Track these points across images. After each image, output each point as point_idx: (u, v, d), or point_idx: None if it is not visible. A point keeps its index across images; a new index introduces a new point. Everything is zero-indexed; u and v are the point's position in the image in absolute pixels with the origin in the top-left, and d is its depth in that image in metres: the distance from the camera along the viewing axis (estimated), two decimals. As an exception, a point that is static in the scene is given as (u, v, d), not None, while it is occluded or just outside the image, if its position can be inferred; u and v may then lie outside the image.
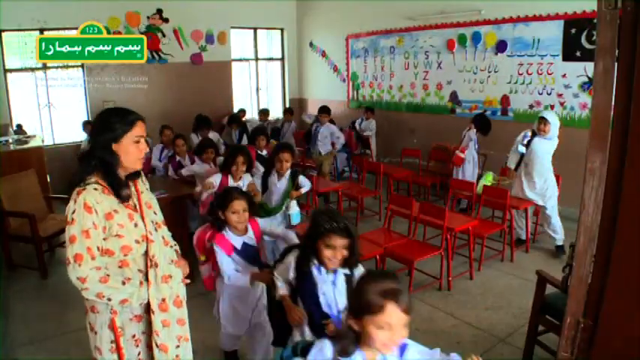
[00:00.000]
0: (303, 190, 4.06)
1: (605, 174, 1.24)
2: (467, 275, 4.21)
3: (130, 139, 1.81)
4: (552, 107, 5.80)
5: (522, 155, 4.67)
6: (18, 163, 5.02)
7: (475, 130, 5.81)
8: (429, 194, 6.36)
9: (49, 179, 5.41)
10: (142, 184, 1.99)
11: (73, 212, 1.72)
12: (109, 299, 1.76)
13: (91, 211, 1.72)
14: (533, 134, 4.59)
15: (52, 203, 5.11)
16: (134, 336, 1.89)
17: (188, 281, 2.06)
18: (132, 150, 1.82)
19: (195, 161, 5.03)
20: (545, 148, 4.56)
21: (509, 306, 3.70)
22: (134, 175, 1.93)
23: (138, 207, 1.89)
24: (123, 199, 1.82)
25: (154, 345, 1.87)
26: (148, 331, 1.89)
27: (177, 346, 1.96)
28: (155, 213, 1.98)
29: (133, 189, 1.91)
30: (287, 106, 9.96)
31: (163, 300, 1.87)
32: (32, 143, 5.59)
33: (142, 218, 1.87)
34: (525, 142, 4.60)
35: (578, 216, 1.32)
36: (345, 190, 5.74)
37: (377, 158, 7.88)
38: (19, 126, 6.75)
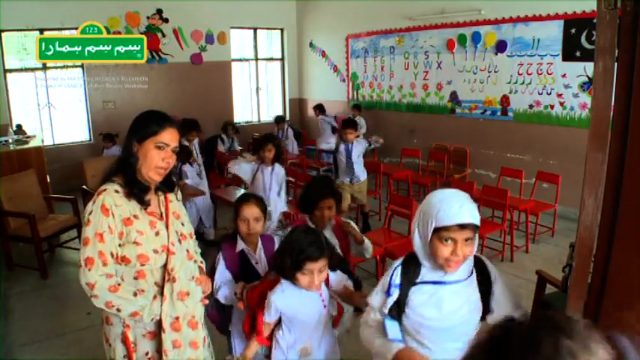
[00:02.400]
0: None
1: (605, 174, 1.24)
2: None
3: (153, 143, 1.68)
4: (552, 107, 5.80)
5: None
6: (18, 163, 5.02)
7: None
8: (429, 194, 6.35)
9: (49, 179, 5.41)
10: (174, 193, 1.89)
11: (90, 213, 1.64)
12: (119, 310, 1.65)
13: (108, 213, 1.63)
14: None
15: (52, 203, 5.11)
16: (147, 354, 1.77)
17: (207, 302, 1.94)
18: (151, 155, 1.68)
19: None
20: None
21: (509, 306, 3.70)
22: (168, 188, 1.83)
23: (164, 215, 1.78)
24: (142, 203, 1.71)
25: None
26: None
27: None
28: (183, 224, 1.87)
29: (162, 197, 1.82)
30: (287, 106, 9.97)
31: (177, 319, 1.75)
32: (32, 143, 5.59)
33: (167, 227, 1.76)
34: None
35: (578, 216, 1.32)
36: (345, 190, 5.73)
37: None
38: (18, 126, 6.75)
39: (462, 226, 1.44)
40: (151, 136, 1.68)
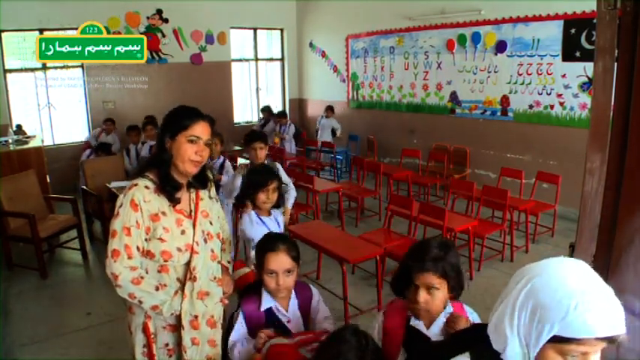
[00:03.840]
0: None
1: (605, 174, 1.24)
2: (467, 275, 4.20)
3: (185, 137, 1.70)
4: (552, 107, 5.81)
5: None
6: (18, 163, 5.02)
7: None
8: (429, 194, 6.36)
9: (49, 179, 5.41)
10: (206, 190, 1.89)
11: (120, 206, 1.68)
12: (140, 302, 1.69)
13: (136, 208, 1.66)
14: None
15: (52, 203, 5.11)
16: (167, 345, 1.81)
17: (227, 302, 1.94)
18: (184, 148, 1.70)
19: None
20: None
21: (509, 306, 3.69)
22: (200, 184, 1.84)
23: (193, 213, 1.80)
24: (172, 201, 1.73)
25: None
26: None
27: None
28: (211, 223, 1.86)
29: (193, 194, 1.83)
30: (287, 105, 9.96)
31: (196, 317, 1.77)
32: (32, 143, 5.58)
33: (194, 226, 1.78)
34: None
35: (578, 216, 1.32)
36: (345, 190, 5.74)
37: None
38: (18, 126, 6.75)
39: (606, 339, 0.87)
40: (182, 130, 1.71)
